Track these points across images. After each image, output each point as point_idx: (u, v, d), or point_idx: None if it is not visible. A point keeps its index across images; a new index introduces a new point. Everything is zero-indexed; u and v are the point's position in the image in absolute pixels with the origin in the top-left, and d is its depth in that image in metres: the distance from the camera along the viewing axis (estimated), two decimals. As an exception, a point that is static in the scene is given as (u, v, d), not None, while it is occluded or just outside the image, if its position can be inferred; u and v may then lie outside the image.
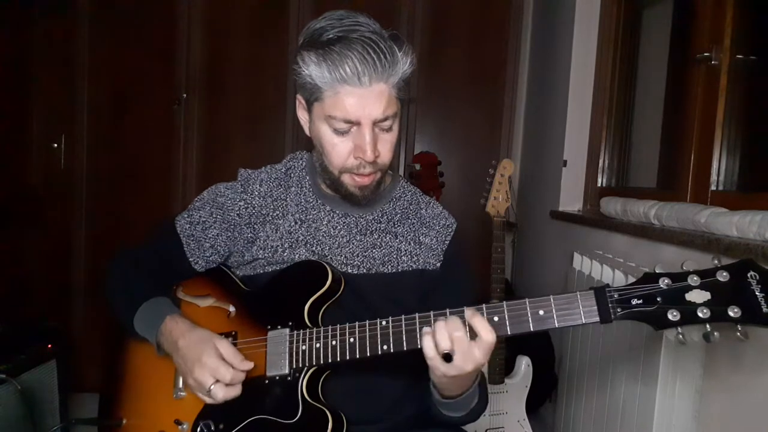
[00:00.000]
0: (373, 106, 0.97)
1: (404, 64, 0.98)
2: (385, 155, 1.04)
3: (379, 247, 1.12)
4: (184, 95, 2.73)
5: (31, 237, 2.68)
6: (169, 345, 1.03)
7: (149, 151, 2.76)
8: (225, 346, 1.00)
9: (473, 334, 0.87)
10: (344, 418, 0.99)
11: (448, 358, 0.87)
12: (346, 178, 1.05)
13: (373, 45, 0.94)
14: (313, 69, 0.97)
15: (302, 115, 1.10)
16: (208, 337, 1.01)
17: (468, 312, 0.88)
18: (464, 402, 1.03)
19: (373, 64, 0.94)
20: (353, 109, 0.97)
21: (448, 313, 0.89)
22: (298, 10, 2.69)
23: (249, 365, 1.00)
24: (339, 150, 1.02)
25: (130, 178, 2.77)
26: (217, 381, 0.97)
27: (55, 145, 2.72)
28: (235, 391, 0.99)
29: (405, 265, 1.12)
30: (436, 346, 0.87)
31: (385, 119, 1.00)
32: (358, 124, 0.99)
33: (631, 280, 0.96)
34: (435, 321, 0.89)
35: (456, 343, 0.86)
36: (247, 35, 2.74)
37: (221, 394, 0.97)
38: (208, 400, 0.99)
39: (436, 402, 1.04)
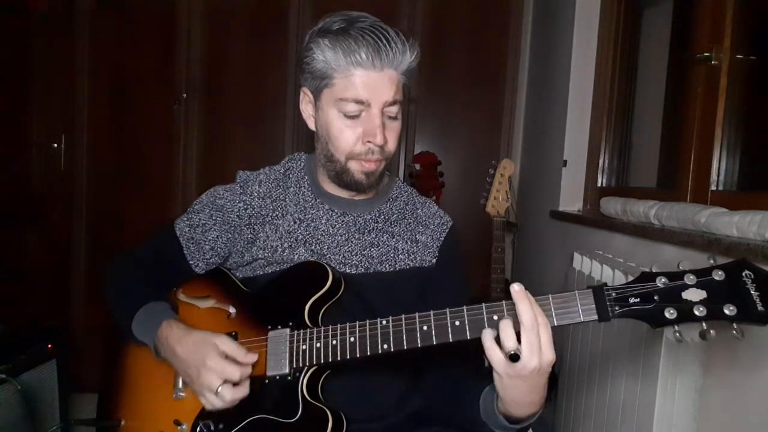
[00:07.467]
0: (383, 90, 1.01)
1: (411, 54, 1.02)
2: (391, 143, 1.06)
3: (377, 246, 1.12)
4: (184, 95, 2.73)
5: (31, 237, 2.68)
6: (166, 351, 1.04)
7: (149, 151, 2.76)
8: (226, 343, 1.00)
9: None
10: (344, 417, 0.99)
11: (514, 358, 0.82)
12: (353, 165, 1.06)
13: (385, 32, 1.00)
14: (328, 53, 1.00)
15: (306, 109, 1.11)
16: (207, 338, 1.01)
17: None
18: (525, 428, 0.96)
19: (386, 49, 0.99)
20: (365, 90, 1.00)
21: (448, 313, 0.89)
22: (298, 10, 2.69)
23: (254, 357, 1.00)
24: (347, 136, 1.04)
25: (130, 179, 2.77)
26: (225, 381, 0.97)
27: (55, 145, 2.72)
28: (243, 391, 0.99)
29: (402, 263, 1.13)
30: (502, 345, 0.83)
31: (394, 103, 1.03)
32: (368, 106, 1.01)
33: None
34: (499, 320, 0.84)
35: (524, 328, 0.82)
36: (247, 35, 2.74)
37: (229, 395, 0.97)
38: (218, 404, 0.97)
39: (496, 424, 0.95)
